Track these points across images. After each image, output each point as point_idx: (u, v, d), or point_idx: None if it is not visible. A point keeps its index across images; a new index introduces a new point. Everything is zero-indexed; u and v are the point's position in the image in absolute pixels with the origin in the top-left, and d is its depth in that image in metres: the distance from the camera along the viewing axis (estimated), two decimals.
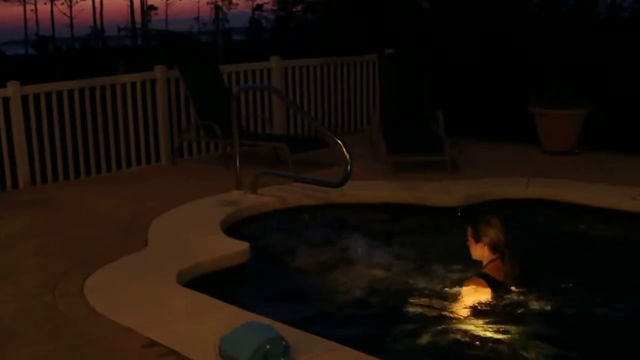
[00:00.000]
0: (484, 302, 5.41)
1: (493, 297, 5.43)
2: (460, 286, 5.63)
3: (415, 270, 6.23)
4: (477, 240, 5.67)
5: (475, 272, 5.66)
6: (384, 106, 10.71)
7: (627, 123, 9.97)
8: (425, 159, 9.31)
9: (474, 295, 5.45)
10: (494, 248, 5.62)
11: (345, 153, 6.97)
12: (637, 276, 6.28)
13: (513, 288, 5.58)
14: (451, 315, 5.34)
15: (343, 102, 12.11)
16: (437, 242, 7.13)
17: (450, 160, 9.04)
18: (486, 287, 5.46)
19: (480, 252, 5.69)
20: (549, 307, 5.45)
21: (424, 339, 5.01)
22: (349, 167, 6.97)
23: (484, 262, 5.68)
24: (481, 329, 5.10)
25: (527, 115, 10.27)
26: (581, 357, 4.69)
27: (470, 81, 11.56)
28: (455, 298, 5.55)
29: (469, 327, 5.14)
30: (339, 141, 7.09)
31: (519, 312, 5.34)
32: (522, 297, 5.52)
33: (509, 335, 4.97)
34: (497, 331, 5.03)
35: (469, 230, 5.76)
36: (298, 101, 11.39)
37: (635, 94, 9.96)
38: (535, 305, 5.45)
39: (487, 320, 5.19)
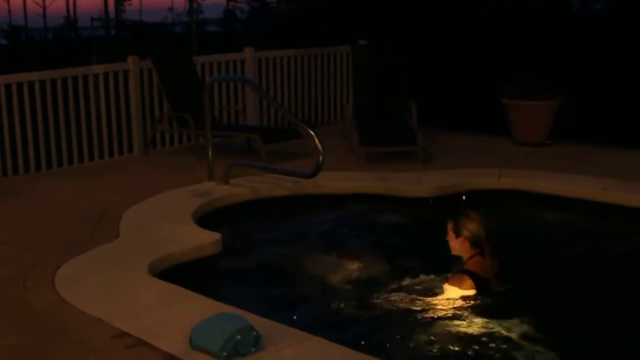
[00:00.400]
0: (468, 298, 5.34)
1: (477, 294, 5.36)
2: (441, 282, 5.55)
3: (390, 263, 6.20)
4: (458, 234, 5.55)
5: (457, 269, 5.59)
6: (357, 97, 10.72)
7: (598, 115, 10.03)
8: (397, 150, 9.33)
9: (457, 291, 5.38)
10: (474, 243, 5.52)
11: (318, 144, 6.97)
12: (609, 266, 6.34)
13: (496, 284, 5.51)
14: (433, 311, 5.28)
15: (316, 94, 12.10)
16: (410, 233, 7.16)
17: (423, 151, 9.06)
18: (470, 283, 5.38)
19: (459, 246, 5.58)
20: (530, 302, 5.45)
21: (401, 333, 5.00)
22: (321, 158, 6.98)
23: (464, 258, 5.58)
24: (465, 326, 5.06)
25: (499, 106, 10.32)
26: (566, 352, 4.69)
27: (443, 72, 11.59)
28: (437, 294, 5.47)
29: (452, 324, 5.10)
30: (311, 132, 7.09)
31: (503, 308, 5.29)
32: (505, 293, 5.50)
33: (495, 333, 4.94)
34: (482, 328, 5.00)
35: (449, 224, 5.63)
36: (271, 92, 11.38)
37: (606, 86, 10.02)
38: (517, 300, 5.44)
39: (471, 318, 5.15)
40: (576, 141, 10.04)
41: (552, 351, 4.67)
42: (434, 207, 7.72)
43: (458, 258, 5.67)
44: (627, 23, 10.12)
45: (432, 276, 5.78)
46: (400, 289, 5.65)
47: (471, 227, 5.53)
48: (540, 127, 10.18)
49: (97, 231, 6.70)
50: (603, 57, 10.02)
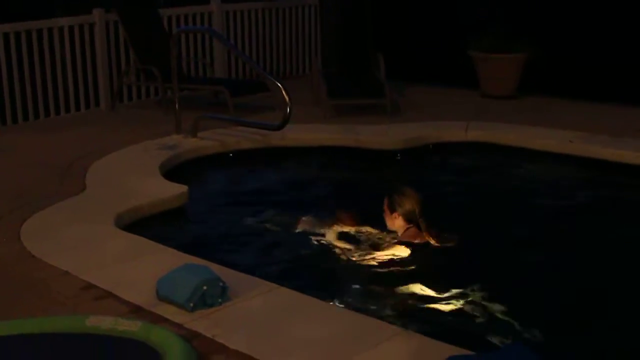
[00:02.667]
0: (409, 257, 5.38)
1: (415, 258, 5.37)
2: (382, 249, 5.55)
3: (354, 216, 6.18)
4: (392, 210, 5.59)
5: (392, 241, 5.59)
6: (325, 50, 10.67)
7: (566, 67, 10.05)
8: (365, 103, 9.34)
9: (396, 255, 5.41)
10: (407, 219, 5.55)
11: (285, 95, 6.96)
12: (572, 217, 6.41)
13: (437, 246, 5.50)
14: (381, 267, 5.32)
15: (285, 46, 12.04)
16: (375, 186, 7.16)
17: (391, 104, 9.06)
18: (405, 249, 5.43)
19: (393, 222, 5.62)
20: (484, 255, 5.49)
21: (360, 285, 5.07)
22: (288, 110, 6.97)
23: (399, 232, 5.62)
24: (406, 288, 5.06)
25: (468, 59, 10.31)
26: (515, 306, 4.72)
27: (411, 24, 11.53)
28: (380, 258, 5.46)
29: (402, 278, 5.13)
30: (279, 83, 7.07)
31: (445, 268, 5.33)
32: (448, 254, 5.47)
33: (437, 294, 4.94)
34: (424, 290, 5.00)
35: (385, 201, 5.66)
36: (239, 45, 11.30)
37: (574, 38, 10.03)
38: (466, 259, 5.43)
39: (413, 281, 5.11)
40: (544, 94, 10.07)
41: (502, 304, 4.70)
42: (401, 159, 7.75)
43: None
44: None
45: (385, 232, 5.78)
46: (357, 242, 5.68)
47: (405, 204, 5.53)
48: (508, 80, 10.20)
49: (64, 184, 6.66)
50: (574, 11, 10.02)
